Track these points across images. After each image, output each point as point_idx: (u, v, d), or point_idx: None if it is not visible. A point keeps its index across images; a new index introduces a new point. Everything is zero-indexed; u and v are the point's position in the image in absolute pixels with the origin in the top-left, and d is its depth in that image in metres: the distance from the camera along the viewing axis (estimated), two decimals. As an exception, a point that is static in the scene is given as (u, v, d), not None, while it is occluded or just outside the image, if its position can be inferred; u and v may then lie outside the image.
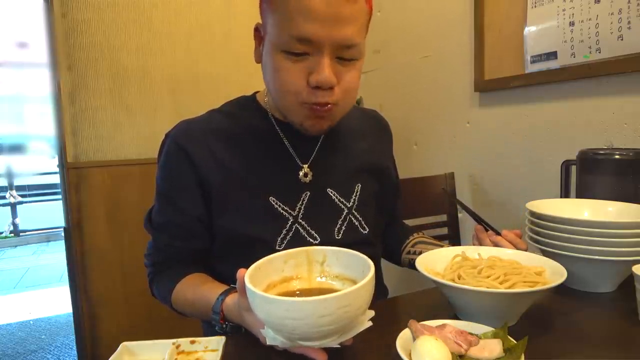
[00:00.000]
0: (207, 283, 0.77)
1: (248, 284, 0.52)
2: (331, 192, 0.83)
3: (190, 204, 0.79)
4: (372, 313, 0.56)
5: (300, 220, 0.80)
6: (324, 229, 0.82)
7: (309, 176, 0.82)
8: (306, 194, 0.81)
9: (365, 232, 0.86)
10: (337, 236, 0.83)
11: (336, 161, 0.86)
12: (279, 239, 0.78)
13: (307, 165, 0.82)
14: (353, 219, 0.85)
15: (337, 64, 0.69)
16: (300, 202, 0.80)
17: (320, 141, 0.85)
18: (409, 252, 0.97)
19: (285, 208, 0.79)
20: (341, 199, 0.84)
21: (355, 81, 0.73)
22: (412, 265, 0.92)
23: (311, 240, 0.80)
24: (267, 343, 0.55)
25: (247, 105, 0.86)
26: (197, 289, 0.76)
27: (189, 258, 0.84)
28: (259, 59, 0.77)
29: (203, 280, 0.79)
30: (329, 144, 0.85)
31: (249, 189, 0.78)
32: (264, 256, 0.62)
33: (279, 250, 0.76)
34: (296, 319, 0.48)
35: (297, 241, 0.79)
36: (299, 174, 0.81)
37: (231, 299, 0.67)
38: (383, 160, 0.95)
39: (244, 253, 0.77)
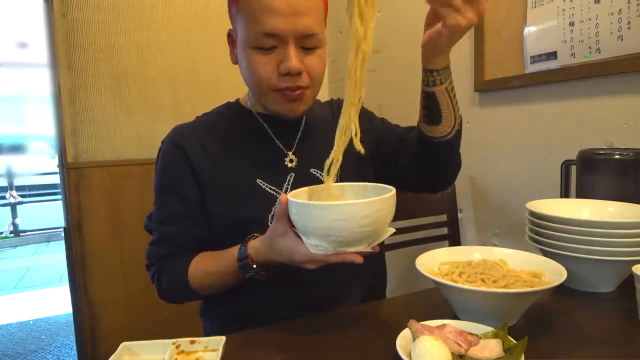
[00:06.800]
0: (221, 251, 0.81)
1: (296, 200, 0.62)
2: (315, 171, 0.89)
3: (190, 191, 0.85)
4: (392, 230, 0.66)
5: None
6: None
7: (294, 162, 0.88)
8: (291, 175, 0.87)
9: None
10: None
11: (317, 145, 0.91)
12: (270, 216, 0.83)
13: (291, 152, 0.89)
14: None
15: (302, 53, 0.77)
16: (286, 183, 0.86)
17: (301, 130, 0.91)
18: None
19: (273, 188, 0.85)
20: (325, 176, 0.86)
21: (319, 66, 0.81)
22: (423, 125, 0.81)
23: None
24: (312, 251, 0.63)
25: (232, 106, 0.94)
26: (214, 257, 0.81)
27: (195, 248, 0.85)
28: (235, 60, 0.86)
29: (216, 251, 0.83)
30: (308, 131, 0.92)
31: (237, 173, 0.85)
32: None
33: None
34: (344, 220, 0.58)
35: None
36: (284, 160, 0.88)
37: (255, 241, 0.74)
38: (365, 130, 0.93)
39: (239, 237, 0.80)
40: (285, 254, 0.68)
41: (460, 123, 0.83)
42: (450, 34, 0.64)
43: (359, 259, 0.62)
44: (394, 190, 0.64)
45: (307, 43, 0.77)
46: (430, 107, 0.77)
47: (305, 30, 0.75)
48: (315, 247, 0.63)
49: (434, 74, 0.73)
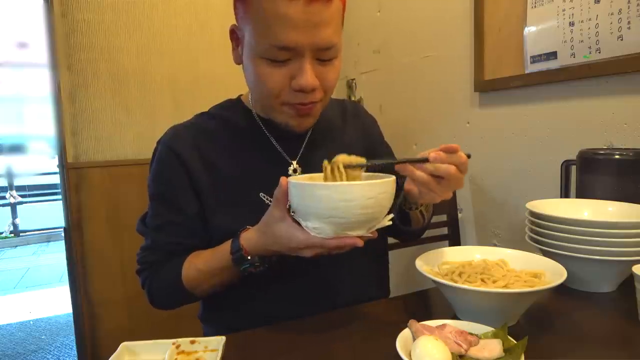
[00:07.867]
0: (214, 248, 0.77)
1: (298, 181, 0.61)
2: None
3: (187, 202, 0.80)
4: (391, 215, 0.65)
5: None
6: None
7: (298, 172, 0.83)
8: None
9: None
10: None
11: (323, 155, 0.86)
12: None
13: (295, 162, 0.84)
14: None
15: (317, 65, 0.71)
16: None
17: (307, 137, 0.86)
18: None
19: None
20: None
21: (334, 78, 0.75)
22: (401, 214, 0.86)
23: None
24: (312, 234, 0.62)
25: (233, 107, 0.88)
26: (207, 254, 0.77)
27: (187, 255, 0.82)
28: (238, 60, 0.78)
29: (208, 250, 0.79)
30: (315, 139, 0.87)
31: (238, 186, 0.80)
32: None
33: None
34: (348, 200, 0.58)
35: None
36: (287, 170, 0.83)
37: (248, 232, 0.71)
38: (369, 145, 0.94)
39: None
40: (282, 241, 0.65)
41: (429, 221, 0.89)
42: (429, 201, 0.72)
43: (360, 243, 0.61)
44: (393, 176, 0.64)
45: (324, 55, 0.70)
46: (403, 218, 0.84)
47: (324, 43, 0.68)
48: (314, 230, 0.61)
49: (413, 204, 0.80)
